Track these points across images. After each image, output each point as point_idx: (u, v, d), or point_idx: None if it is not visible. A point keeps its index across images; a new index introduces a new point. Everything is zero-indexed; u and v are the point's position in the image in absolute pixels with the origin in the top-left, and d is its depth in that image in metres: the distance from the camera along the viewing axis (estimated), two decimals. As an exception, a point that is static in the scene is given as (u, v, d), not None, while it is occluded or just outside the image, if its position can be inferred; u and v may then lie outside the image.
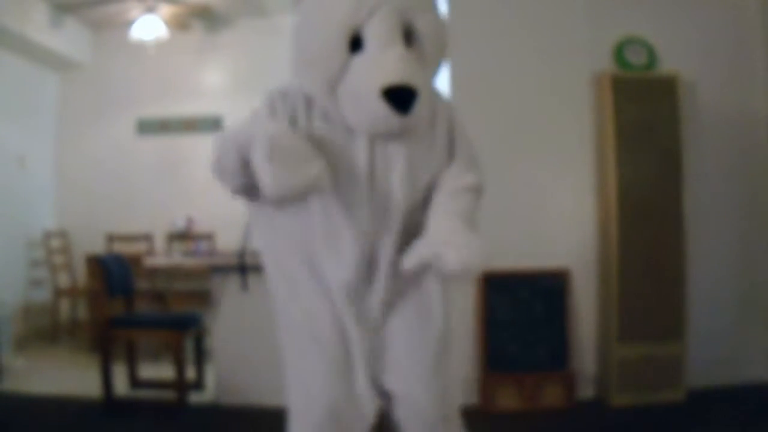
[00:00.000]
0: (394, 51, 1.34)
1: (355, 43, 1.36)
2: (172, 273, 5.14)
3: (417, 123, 1.39)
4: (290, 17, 1.50)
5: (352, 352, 1.55)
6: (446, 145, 1.56)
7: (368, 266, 1.52)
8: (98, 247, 5.56)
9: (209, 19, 5.80)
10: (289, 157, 1.27)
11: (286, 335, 1.64)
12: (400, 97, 1.29)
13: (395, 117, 1.31)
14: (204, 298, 4.52)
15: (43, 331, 5.30)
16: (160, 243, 5.79)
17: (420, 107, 1.34)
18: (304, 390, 1.58)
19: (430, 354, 1.57)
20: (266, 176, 1.26)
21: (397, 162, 1.47)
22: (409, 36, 1.39)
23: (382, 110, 1.30)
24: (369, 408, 1.56)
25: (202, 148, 5.74)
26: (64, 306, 5.44)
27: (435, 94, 1.58)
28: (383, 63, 1.32)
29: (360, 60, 1.35)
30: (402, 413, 1.61)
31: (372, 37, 1.34)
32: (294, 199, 1.35)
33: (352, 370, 1.56)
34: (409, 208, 1.50)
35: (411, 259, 1.42)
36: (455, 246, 1.37)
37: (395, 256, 1.51)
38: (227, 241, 5.01)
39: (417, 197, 1.52)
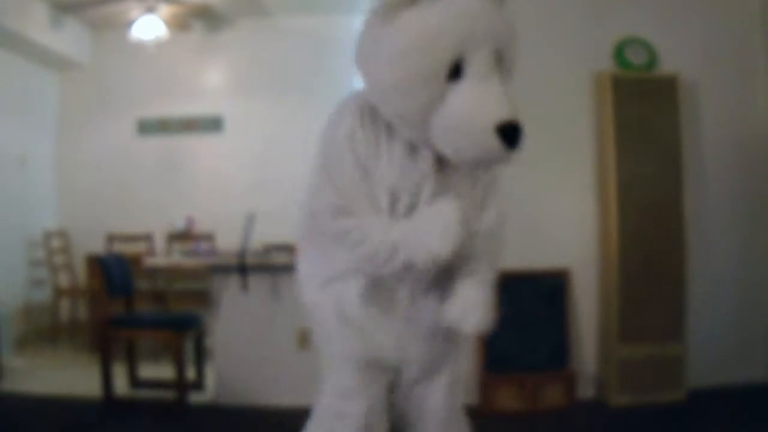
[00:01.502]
0: (496, 85, 1.39)
1: (451, 72, 1.37)
2: (172, 273, 5.14)
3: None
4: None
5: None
6: (481, 197, 1.61)
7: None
8: (98, 247, 5.55)
9: (209, 19, 5.80)
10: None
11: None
12: (510, 133, 1.34)
13: (506, 152, 1.36)
14: (204, 298, 4.52)
15: (43, 331, 5.30)
16: (160, 243, 5.78)
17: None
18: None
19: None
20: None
21: (452, 191, 1.52)
22: (498, 66, 1.43)
23: (496, 145, 1.34)
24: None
25: (202, 148, 5.87)
26: (64, 306, 5.43)
27: None
28: (490, 98, 1.37)
29: (461, 90, 1.36)
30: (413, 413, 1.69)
31: (473, 69, 1.37)
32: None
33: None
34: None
35: (443, 320, 1.57)
36: (474, 315, 1.53)
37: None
38: (227, 241, 5.00)
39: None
